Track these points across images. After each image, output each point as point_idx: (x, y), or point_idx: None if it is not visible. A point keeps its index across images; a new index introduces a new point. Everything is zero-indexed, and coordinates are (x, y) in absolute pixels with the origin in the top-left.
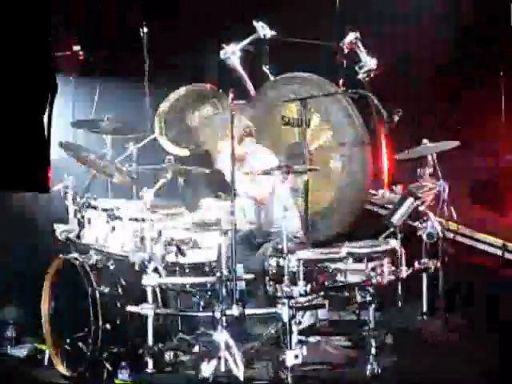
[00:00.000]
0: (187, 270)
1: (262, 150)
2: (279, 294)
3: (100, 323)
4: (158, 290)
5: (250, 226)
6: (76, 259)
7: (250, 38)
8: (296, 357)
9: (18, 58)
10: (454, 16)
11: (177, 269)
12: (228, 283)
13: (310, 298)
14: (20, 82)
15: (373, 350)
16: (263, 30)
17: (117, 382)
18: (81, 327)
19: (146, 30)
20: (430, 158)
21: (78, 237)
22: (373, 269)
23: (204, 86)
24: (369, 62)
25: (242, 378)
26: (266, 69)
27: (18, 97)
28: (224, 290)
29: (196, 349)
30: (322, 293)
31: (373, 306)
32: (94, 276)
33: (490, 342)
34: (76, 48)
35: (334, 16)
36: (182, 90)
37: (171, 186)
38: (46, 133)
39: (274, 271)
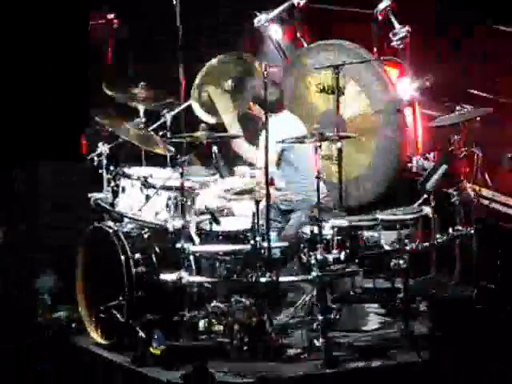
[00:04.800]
0: (221, 238)
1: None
2: (313, 261)
3: (134, 291)
4: (192, 257)
5: (278, 193)
6: (110, 227)
7: (284, 5)
8: (330, 324)
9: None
10: None
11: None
12: (262, 251)
13: (344, 265)
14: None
15: (406, 318)
16: None
17: (151, 349)
18: (115, 295)
19: None
20: (463, 124)
21: (112, 205)
22: (407, 236)
23: (241, 54)
24: (402, 29)
25: None
26: (299, 36)
27: (56, 69)
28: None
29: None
30: (356, 260)
31: (407, 273)
32: (128, 244)
33: None
34: (110, 16)
35: None
36: (219, 57)
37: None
38: (81, 102)
39: (308, 238)
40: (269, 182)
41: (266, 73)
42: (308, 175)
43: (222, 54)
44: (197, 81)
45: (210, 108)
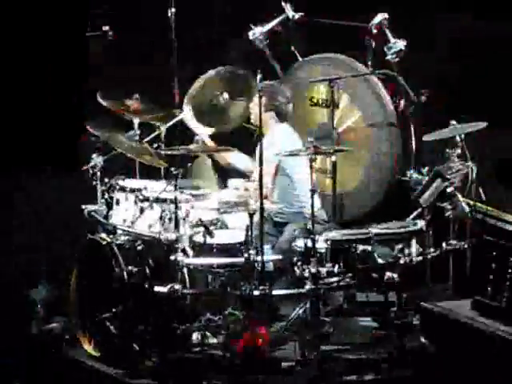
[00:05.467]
0: (215, 251)
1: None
2: (307, 274)
3: (127, 303)
4: (185, 270)
5: (274, 207)
6: (104, 239)
7: (278, 18)
8: (323, 337)
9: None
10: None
11: (204, 249)
12: (255, 264)
13: (337, 278)
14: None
15: (399, 332)
16: (291, 10)
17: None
18: (109, 307)
19: (173, 10)
20: (458, 138)
21: (106, 217)
22: (400, 250)
23: (234, 68)
24: (397, 43)
25: None
26: (294, 49)
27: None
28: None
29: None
30: (350, 274)
31: (400, 286)
32: (121, 256)
33: None
34: (105, 28)
35: None
36: (212, 72)
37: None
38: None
39: (302, 252)
40: (263, 195)
41: (260, 85)
42: (302, 188)
43: (217, 67)
44: (191, 93)
45: (204, 119)
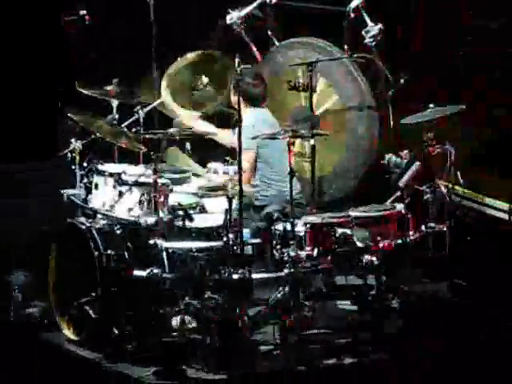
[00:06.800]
0: (194, 235)
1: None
2: (286, 258)
3: (106, 288)
4: (164, 254)
5: (252, 190)
6: (83, 223)
7: (256, 2)
8: (302, 321)
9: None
10: None
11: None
12: (234, 248)
13: (316, 262)
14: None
15: (378, 315)
16: None
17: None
18: (87, 291)
19: None
20: (436, 121)
21: (85, 201)
22: (379, 233)
23: (212, 51)
24: (375, 27)
25: None
26: (271, 33)
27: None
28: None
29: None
30: (329, 257)
31: (379, 270)
32: (100, 240)
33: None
34: (82, 12)
35: None
36: (190, 55)
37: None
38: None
39: (281, 235)
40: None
41: (239, 68)
42: (281, 172)
43: (195, 51)
44: (169, 74)
45: (181, 101)
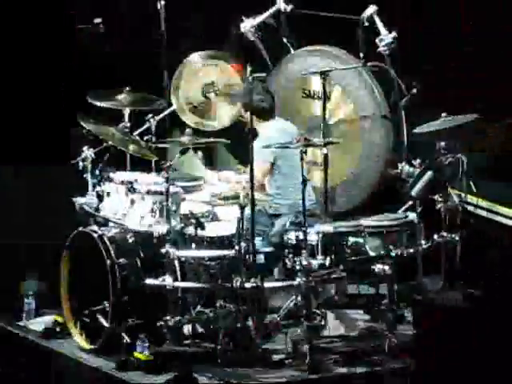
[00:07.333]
0: (206, 243)
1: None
2: (298, 267)
3: (119, 296)
4: (176, 262)
5: (266, 199)
6: (95, 232)
7: (270, 10)
8: (314, 330)
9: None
10: None
11: (195, 242)
12: (247, 256)
13: (328, 271)
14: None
15: (390, 324)
16: (283, 2)
17: (135, 354)
18: (99, 300)
19: (163, 2)
20: (448, 131)
21: (97, 210)
22: (392, 242)
23: (216, 51)
24: (388, 35)
25: None
26: (286, 42)
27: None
28: (243, 263)
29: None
30: (341, 266)
31: (391, 279)
32: (112, 248)
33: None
34: (97, 20)
35: None
36: (193, 57)
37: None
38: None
39: (293, 244)
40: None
41: (250, 78)
42: (297, 182)
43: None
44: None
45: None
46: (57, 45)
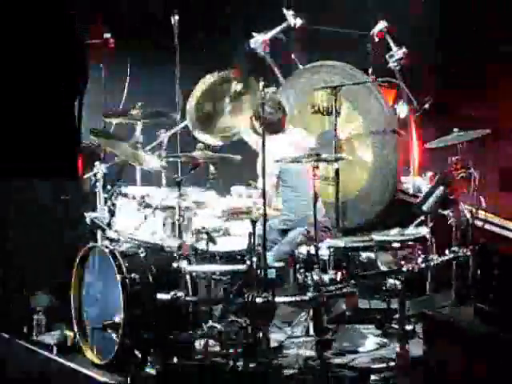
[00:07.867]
0: (217, 258)
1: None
2: (309, 281)
3: (130, 311)
4: (188, 277)
5: (276, 214)
6: (106, 246)
7: (281, 26)
8: (325, 345)
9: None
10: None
11: (207, 256)
12: (258, 271)
13: (339, 285)
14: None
15: (402, 339)
16: (293, 18)
17: (147, 369)
18: (111, 315)
19: (177, 17)
20: (460, 146)
21: (109, 224)
22: (403, 257)
23: (230, 72)
24: (398, 51)
25: None
26: (295, 57)
27: (49, 84)
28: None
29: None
30: (352, 281)
31: (403, 294)
32: (124, 263)
33: None
34: (107, 35)
35: (364, 4)
36: (208, 78)
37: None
38: (76, 120)
39: (304, 259)
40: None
41: (263, 92)
42: (307, 197)
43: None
44: (192, 100)
45: (208, 127)
46: (66, 59)
